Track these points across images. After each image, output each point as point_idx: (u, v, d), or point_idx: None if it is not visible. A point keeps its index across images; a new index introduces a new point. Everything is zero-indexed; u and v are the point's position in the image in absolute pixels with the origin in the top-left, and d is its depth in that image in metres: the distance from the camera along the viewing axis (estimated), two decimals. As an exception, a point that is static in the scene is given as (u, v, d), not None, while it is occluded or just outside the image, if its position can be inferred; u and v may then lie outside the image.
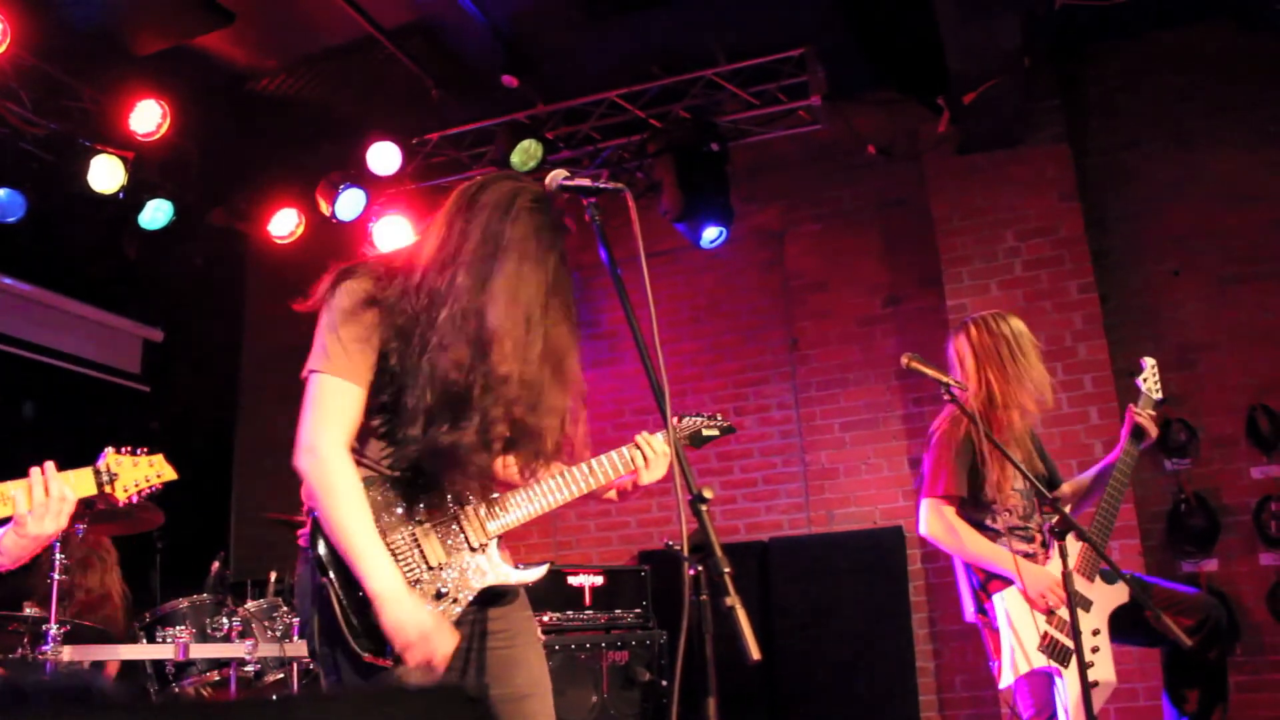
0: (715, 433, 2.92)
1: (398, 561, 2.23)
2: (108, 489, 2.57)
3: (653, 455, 2.58)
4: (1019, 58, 5.49)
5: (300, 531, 2.32)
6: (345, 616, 2.16)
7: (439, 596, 2.26)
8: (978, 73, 5.56)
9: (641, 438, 2.59)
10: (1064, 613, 3.63)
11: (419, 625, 2.16)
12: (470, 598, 2.30)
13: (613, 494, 2.63)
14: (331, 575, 2.17)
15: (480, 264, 2.26)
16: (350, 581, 2.18)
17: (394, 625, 2.14)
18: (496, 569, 2.35)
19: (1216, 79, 6.21)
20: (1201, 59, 6.27)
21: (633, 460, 2.57)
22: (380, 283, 2.30)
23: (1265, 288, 5.94)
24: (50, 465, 2.43)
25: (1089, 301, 5.99)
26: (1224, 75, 6.20)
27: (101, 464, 2.57)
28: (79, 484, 2.51)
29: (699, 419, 2.87)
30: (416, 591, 2.23)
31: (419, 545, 2.28)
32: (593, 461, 2.53)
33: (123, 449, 2.62)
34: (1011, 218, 6.20)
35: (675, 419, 2.72)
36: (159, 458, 2.72)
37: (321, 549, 2.19)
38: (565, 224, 2.39)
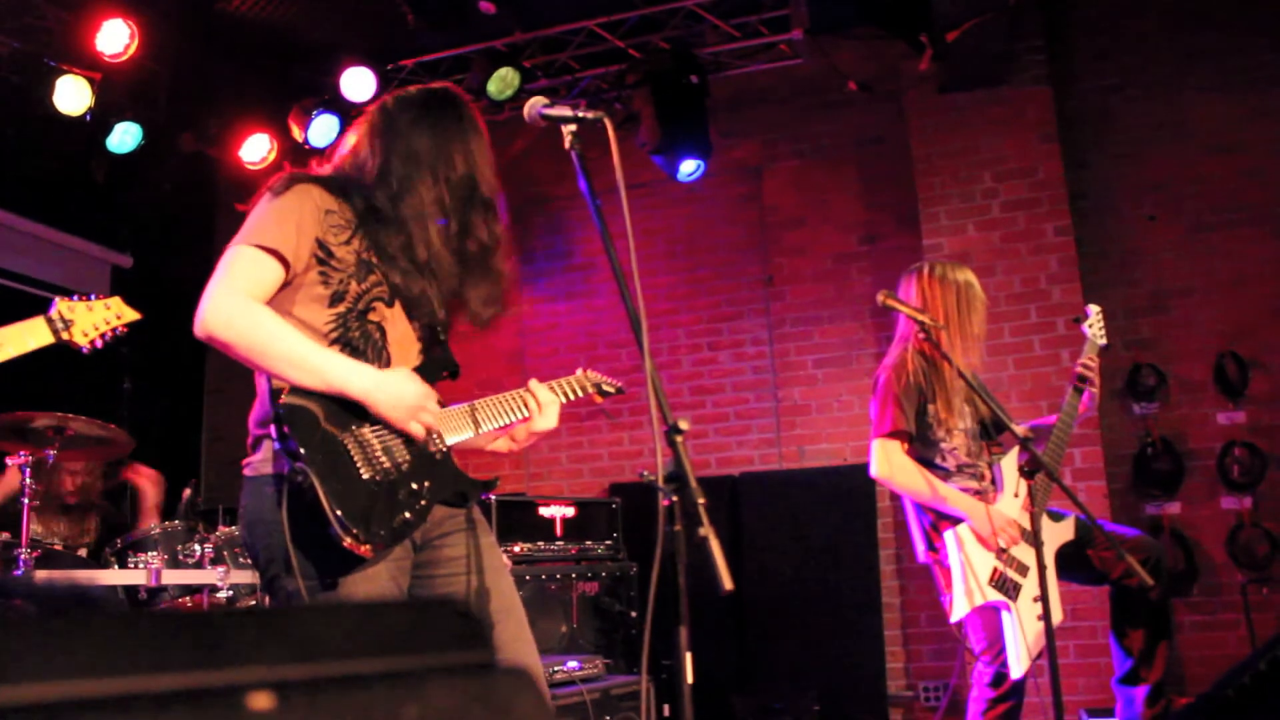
0: (612, 390, 2.89)
1: (364, 452, 2.19)
2: (65, 335, 2.46)
3: (544, 402, 2.53)
4: (1004, -4, 5.45)
5: (246, 460, 2.28)
6: (328, 500, 2.06)
7: (412, 494, 2.24)
8: (962, 10, 5.51)
9: (532, 384, 2.55)
10: (1015, 549, 3.71)
11: (416, 391, 2.24)
12: (434, 502, 2.28)
13: (503, 444, 2.59)
14: (306, 460, 2.08)
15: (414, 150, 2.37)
16: (325, 465, 2.10)
17: (393, 399, 2.19)
18: (457, 478, 2.34)
19: (1201, 25, 6.19)
20: (1186, 5, 6.23)
21: (525, 406, 2.52)
22: (325, 178, 2.36)
23: (1240, 235, 5.97)
24: None
25: (1065, 244, 6.00)
26: (1209, 22, 6.17)
27: (54, 312, 2.47)
28: (33, 333, 2.41)
29: (597, 376, 2.85)
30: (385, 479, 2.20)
31: (384, 443, 2.23)
32: (506, 395, 2.51)
33: (75, 296, 2.53)
34: (991, 158, 6.19)
35: (582, 370, 2.76)
36: (116, 300, 2.61)
37: (292, 435, 2.10)
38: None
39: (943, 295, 3.93)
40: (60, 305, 2.50)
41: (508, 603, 2.40)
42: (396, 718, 0.61)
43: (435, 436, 2.32)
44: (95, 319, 2.55)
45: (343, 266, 2.29)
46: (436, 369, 2.45)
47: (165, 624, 0.60)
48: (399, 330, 2.39)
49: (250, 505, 2.27)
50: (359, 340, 2.30)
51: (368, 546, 2.10)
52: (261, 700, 0.58)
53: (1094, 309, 4.13)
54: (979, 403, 3.89)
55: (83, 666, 0.57)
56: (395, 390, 2.21)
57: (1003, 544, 3.68)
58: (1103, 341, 4.08)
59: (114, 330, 2.58)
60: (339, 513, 2.07)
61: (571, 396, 2.67)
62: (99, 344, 2.55)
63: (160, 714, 0.56)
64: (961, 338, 3.87)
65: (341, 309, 2.29)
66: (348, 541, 2.07)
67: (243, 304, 2.17)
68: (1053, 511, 3.85)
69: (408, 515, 2.20)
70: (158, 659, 0.59)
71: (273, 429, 2.16)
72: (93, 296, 2.57)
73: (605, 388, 2.84)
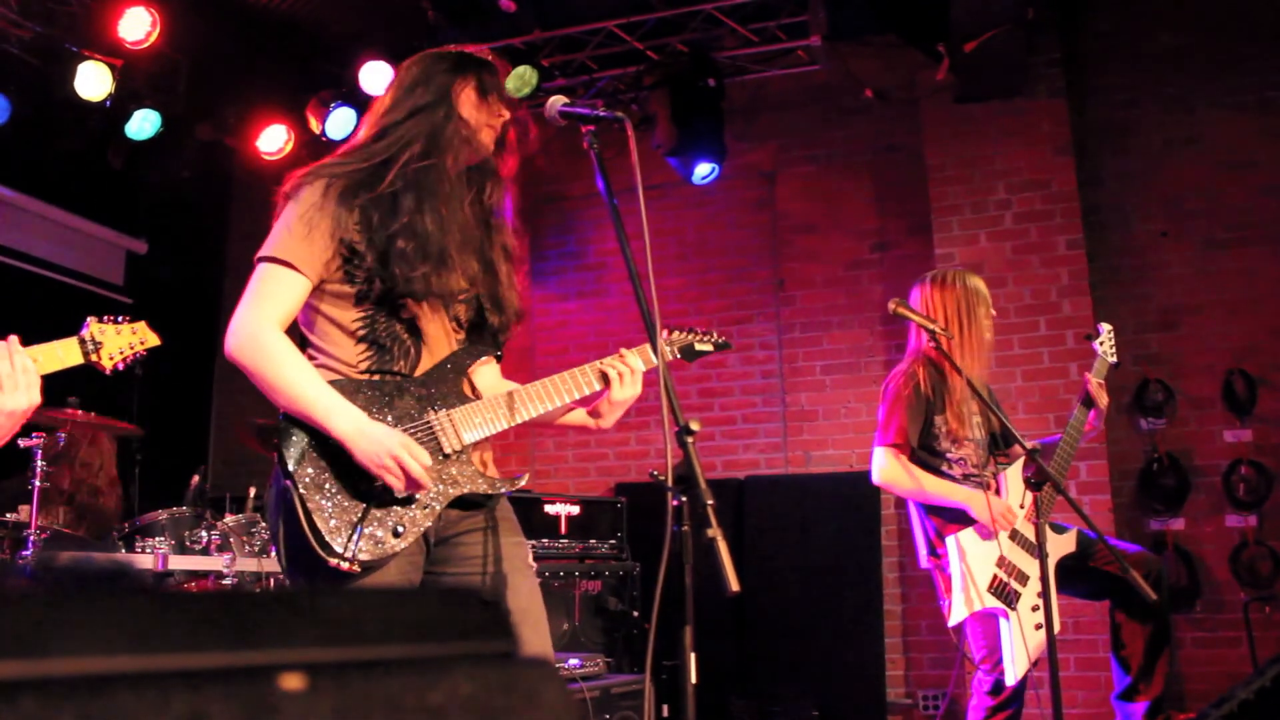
0: (709, 348, 2.81)
1: None
2: (94, 357, 2.60)
3: (627, 370, 2.49)
4: (1022, 9, 5.46)
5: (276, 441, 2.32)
6: (309, 521, 2.12)
7: (412, 501, 2.23)
8: (980, 22, 5.52)
9: (624, 350, 2.52)
10: (1013, 557, 3.73)
11: (394, 441, 2.16)
12: (442, 505, 2.26)
13: (586, 419, 2.57)
14: (295, 479, 2.14)
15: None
16: (318, 480, 2.16)
17: (371, 450, 2.14)
18: (472, 478, 2.32)
19: (1218, 41, 6.18)
20: (1204, 20, 6.23)
21: (603, 375, 2.49)
22: (338, 169, 2.32)
23: (1251, 254, 5.97)
24: (14, 339, 2.39)
25: (1076, 258, 6.01)
26: (1225, 38, 6.17)
27: (86, 333, 2.60)
28: (66, 354, 2.53)
29: (691, 334, 2.77)
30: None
31: None
32: (566, 374, 2.48)
33: (105, 318, 2.65)
34: (1004, 169, 6.20)
35: (665, 332, 2.66)
36: (142, 325, 2.75)
37: (285, 450, 2.16)
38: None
39: (943, 302, 3.94)
40: (93, 327, 2.63)
41: (526, 603, 2.34)
42: (422, 703, 0.63)
43: (451, 437, 2.31)
44: (121, 343, 2.69)
45: (367, 264, 2.27)
46: (475, 354, 2.43)
47: (200, 603, 0.62)
48: (434, 323, 2.36)
49: (271, 489, 2.32)
50: (385, 338, 2.30)
51: (351, 566, 2.13)
52: (292, 681, 0.60)
53: (1105, 328, 4.14)
54: (989, 414, 3.91)
55: (119, 642, 0.59)
56: (372, 443, 2.15)
57: (1001, 530, 3.70)
58: (1113, 360, 4.09)
59: (135, 355, 2.71)
60: (321, 535, 2.12)
61: (655, 362, 2.53)
62: (120, 367, 2.70)
63: (194, 691, 0.58)
64: (963, 344, 3.87)
65: (369, 306, 2.29)
66: (332, 562, 2.12)
67: (256, 332, 2.20)
68: (1054, 524, 3.86)
69: (399, 528, 2.20)
70: (193, 637, 0.61)
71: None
72: (120, 319, 2.69)
73: (699, 346, 2.76)
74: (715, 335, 2.85)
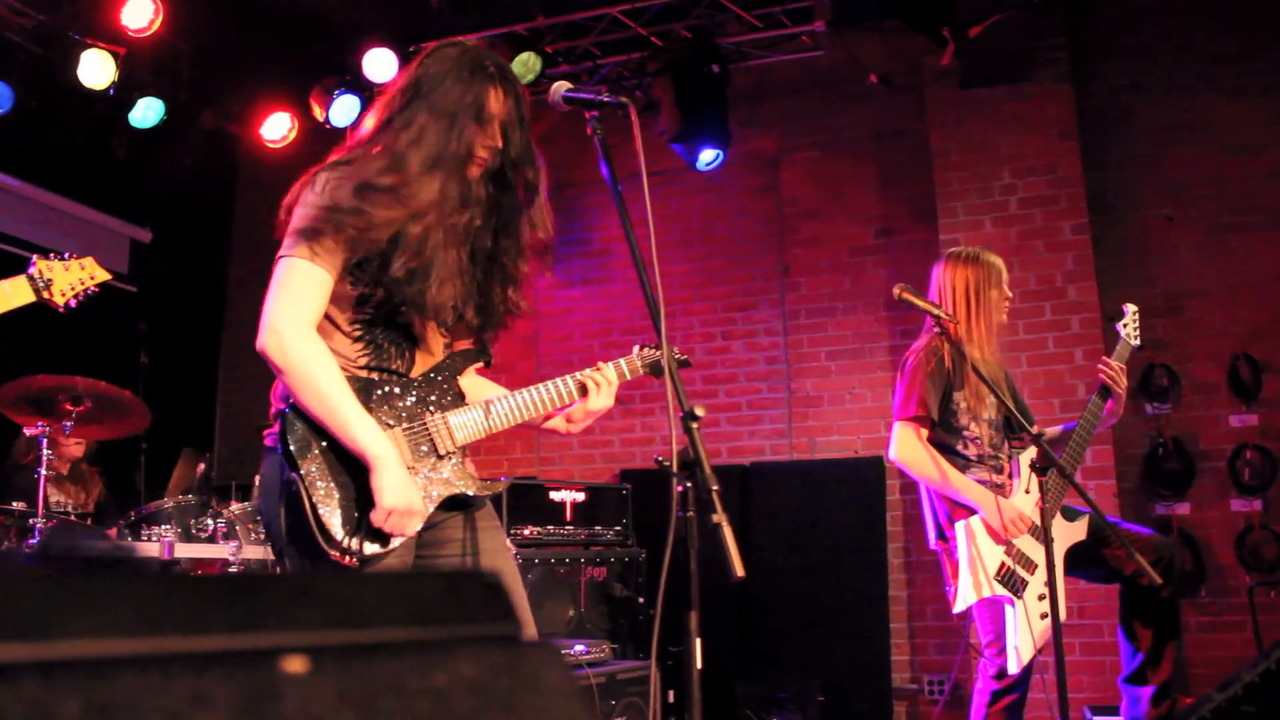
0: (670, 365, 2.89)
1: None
2: (45, 294, 2.57)
3: (604, 381, 2.58)
4: (1027, -8, 5.44)
5: (267, 431, 2.32)
6: (314, 514, 2.15)
7: None
8: (985, 6, 5.50)
9: (601, 364, 2.61)
10: (1021, 544, 3.72)
11: (409, 495, 2.20)
12: (434, 505, 2.32)
13: (559, 423, 2.64)
14: (301, 471, 2.16)
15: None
16: (322, 474, 2.18)
17: (386, 487, 2.16)
18: (463, 479, 2.37)
19: (1223, 27, 6.16)
20: (1209, 5, 6.20)
21: (582, 387, 2.57)
22: (353, 169, 2.31)
23: (1257, 238, 5.95)
24: None
25: (1081, 243, 5.99)
26: (1231, 24, 6.14)
27: (34, 270, 2.56)
28: (15, 292, 2.50)
29: (658, 350, 2.79)
30: None
31: None
32: (548, 384, 2.54)
33: (50, 255, 2.61)
34: (1010, 154, 6.18)
35: (637, 348, 2.73)
36: (89, 260, 2.71)
37: (291, 444, 2.18)
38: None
39: (952, 282, 3.92)
40: (40, 264, 2.60)
41: (508, 585, 2.39)
42: (426, 686, 0.63)
43: (446, 439, 2.36)
44: (71, 279, 2.65)
45: (370, 271, 2.29)
46: (465, 361, 2.47)
47: (204, 587, 0.62)
48: (429, 327, 2.40)
49: (266, 475, 2.33)
50: (384, 339, 2.34)
51: (352, 560, 2.17)
52: (296, 664, 0.60)
53: (1130, 308, 4.09)
54: (1007, 400, 3.89)
55: (123, 625, 0.59)
56: (399, 482, 2.19)
57: (1011, 536, 3.69)
58: (1136, 342, 4.05)
59: (86, 290, 2.68)
60: (325, 528, 2.15)
61: (629, 376, 2.67)
62: (73, 303, 2.66)
63: (198, 674, 0.58)
64: (971, 325, 3.86)
65: (369, 310, 2.31)
66: (334, 555, 2.16)
67: (295, 335, 2.19)
68: (1069, 509, 3.85)
69: None
70: (196, 621, 0.61)
71: (275, 430, 2.24)
72: (66, 256, 2.65)
73: (659, 364, 2.81)
74: (676, 352, 2.86)
